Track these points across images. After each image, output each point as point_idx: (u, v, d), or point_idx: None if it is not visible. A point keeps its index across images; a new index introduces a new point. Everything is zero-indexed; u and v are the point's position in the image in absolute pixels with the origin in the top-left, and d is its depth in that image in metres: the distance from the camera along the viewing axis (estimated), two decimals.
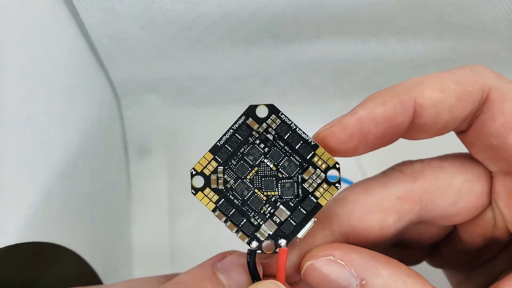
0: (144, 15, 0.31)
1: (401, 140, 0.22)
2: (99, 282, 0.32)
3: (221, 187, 0.20)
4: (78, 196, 0.31)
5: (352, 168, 0.40)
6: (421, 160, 0.23)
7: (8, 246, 0.22)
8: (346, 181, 0.22)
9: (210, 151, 0.20)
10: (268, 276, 0.21)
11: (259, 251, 0.20)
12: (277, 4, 0.31)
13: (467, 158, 0.23)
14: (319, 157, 0.20)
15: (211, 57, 0.37)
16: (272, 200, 0.20)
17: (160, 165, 0.41)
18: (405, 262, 0.27)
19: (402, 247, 0.26)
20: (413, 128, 0.21)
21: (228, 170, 0.20)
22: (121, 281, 0.24)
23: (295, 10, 0.32)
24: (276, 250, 0.20)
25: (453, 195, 0.22)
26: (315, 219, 0.20)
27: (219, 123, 0.43)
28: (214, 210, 0.20)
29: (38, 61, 0.26)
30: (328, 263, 0.20)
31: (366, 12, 0.32)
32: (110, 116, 0.39)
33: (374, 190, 0.23)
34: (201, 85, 0.40)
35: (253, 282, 0.20)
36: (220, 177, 0.20)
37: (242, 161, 0.20)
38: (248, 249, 0.20)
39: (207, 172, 0.20)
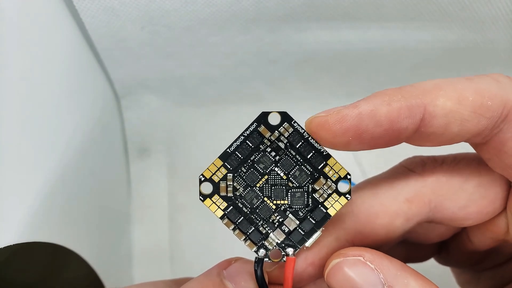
0: (144, 15, 0.31)
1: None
2: (99, 283, 0.32)
3: (230, 194, 0.20)
4: (78, 196, 0.31)
5: (351, 167, 0.40)
6: (433, 158, 0.22)
7: (11, 246, 0.22)
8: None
9: (219, 157, 0.20)
10: (273, 284, 0.21)
11: (267, 259, 0.20)
12: (278, 3, 0.31)
13: (483, 160, 0.22)
14: (331, 167, 0.20)
15: (211, 57, 0.37)
16: (282, 209, 0.20)
17: (160, 165, 0.41)
18: (412, 259, 0.27)
19: (409, 244, 0.26)
20: (418, 136, 0.19)
21: (238, 178, 0.20)
22: (121, 282, 0.24)
23: (296, 8, 0.32)
24: (284, 259, 0.20)
25: (464, 199, 0.21)
26: (323, 228, 0.20)
27: (219, 123, 0.43)
28: (222, 218, 0.20)
29: (38, 61, 0.26)
30: (357, 264, 0.19)
31: (368, 7, 0.32)
32: (110, 116, 0.39)
33: (381, 191, 0.22)
34: (201, 85, 0.40)
35: None
36: (230, 185, 0.20)
37: (252, 169, 0.20)
38: (256, 257, 0.20)
39: (216, 179, 0.20)
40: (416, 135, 0.19)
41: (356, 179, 0.24)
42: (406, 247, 0.26)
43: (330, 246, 0.22)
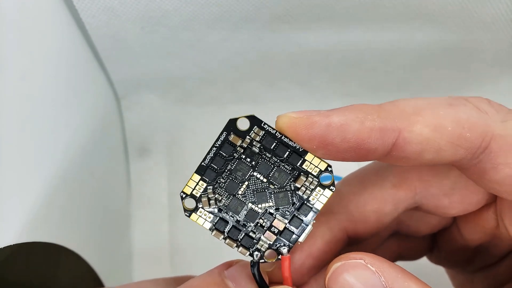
0: (144, 15, 0.31)
1: None
2: (99, 282, 0.32)
3: (213, 206, 0.20)
4: (78, 196, 0.31)
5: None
6: None
7: (11, 246, 0.22)
8: (337, 178, 0.22)
9: (196, 172, 0.20)
10: (275, 283, 0.21)
11: (262, 261, 0.20)
12: (277, 3, 0.31)
13: None
14: (310, 162, 0.19)
15: (211, 57, 0.37)
16: (268, 211, 0.20)
17: (160, 165, 0.41)
18: (405, 257, 0.27)
19: (401, 239, 0.26)
20: (389, 158, 0.19)
21: (218, 189, 0.20)
22: (121, 282, 0.24)
23: (295, 8, 0.32)
24: (279, 257, 0.20)
25: (448, 186, 0.22)
26: (314, 221, 0.20)
27: (219, 123, 0.43)
28: (211, 230, 0.20)
29: (38, 61, 0.26)
30: (358, 267, 0.18)
31: (368, 7, 0.32)
32: (110, 116, 0.39)
33: (368, 180, 0.23)
34: (201, 85, 0.40)
35: None
36: (211, 197, 0.20)
37: (230, 178, 0.20)
38: (251, 261, 0.20)
39: (197, 193, 0.20)
40: (387, 158, 0.19)
41: (346, 171, 0.24)
42: (398, 243, 0.27)
43: (324, 236, 0.22)
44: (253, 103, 0.41)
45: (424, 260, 0.29)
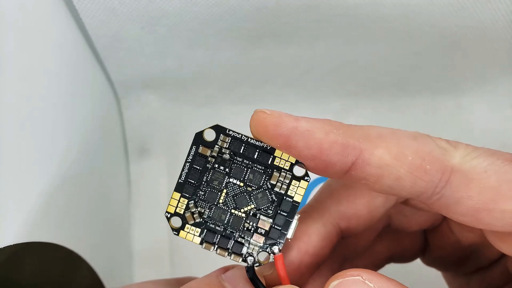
0: (144, 15, 0.31)
1: None
2: (99, 282, 0.32)
3: (198, 220, 0.20)
4: (78, 196, 0.31)
5: None
6: None
7: (10, 247, 0.22)
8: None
9: (175, 190, 0.20)
10: (274, 285, 0.21)
11: (257, 264, 0.20)
12: (276, 4, 0.31)
13: None
14: (280, 158, 0.20)
15: (211, 57, 0.37)
16: (251, 214, 0.20)
17: (160, 165, 0.41)
18: (399, 258, 0.27)
19: (393, 235, 0.27)
20: (349, 176, 0.19)
21: (199, 202, 0.20)
22: (121, 282, 0.24)
23: (295, 10, 0.32)
24: (272, 259, 0.20)
25: None
26: (299, 215, 0.20)
27: (219, 123, 0.43)
28: (201, 243, 0.20)
29: (38, 61, 0.26)
30: (356, 284, 0.18)
31: (365, 12, 0.32)
32: (110, 116, 0.39)
33: None
34: (201, 85, 0.40)
35: None
36: (194, 211, 0.20)
37: (209, 189, 0.20)
38: (246, 266, 0.20)
39: (180, 210, 0.20)
40: (346, 176, 0.19)
41: None
42: (390, 242, 0.27)
43: (319, 232, 0.22)
44: (252, 104, 0.41)
45: (421, 265, 0.29)
